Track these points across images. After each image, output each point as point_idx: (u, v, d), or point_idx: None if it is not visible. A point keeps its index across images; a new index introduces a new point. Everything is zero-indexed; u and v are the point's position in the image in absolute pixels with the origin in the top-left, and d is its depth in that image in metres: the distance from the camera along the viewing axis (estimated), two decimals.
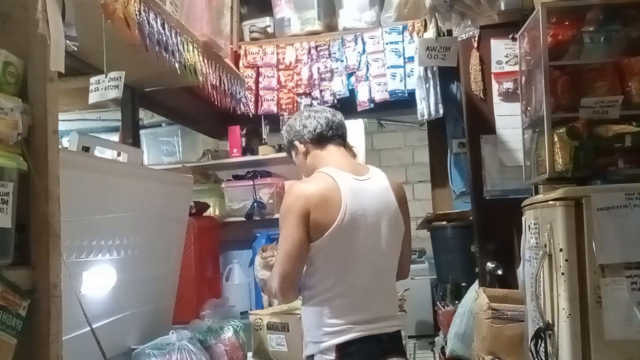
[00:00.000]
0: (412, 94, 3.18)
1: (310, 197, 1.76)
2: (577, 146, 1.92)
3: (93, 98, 1.52)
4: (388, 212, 1.85)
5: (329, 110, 1.99)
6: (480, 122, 2.87)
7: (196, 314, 2.48)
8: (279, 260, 1.79)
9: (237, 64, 3.32)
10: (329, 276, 1.80)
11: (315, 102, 3.26)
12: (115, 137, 3.45)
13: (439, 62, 2.75)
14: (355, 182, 1.82)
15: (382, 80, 3.22)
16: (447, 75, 3.13)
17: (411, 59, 3.18)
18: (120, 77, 1.54)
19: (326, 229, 1.75)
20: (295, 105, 3.32)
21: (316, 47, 3.34)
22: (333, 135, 1.93)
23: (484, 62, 2.88)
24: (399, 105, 3.33)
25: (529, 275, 2.02)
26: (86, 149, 1.89)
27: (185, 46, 1.90)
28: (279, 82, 3.37)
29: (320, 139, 1.92)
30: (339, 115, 1.99)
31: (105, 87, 1.53)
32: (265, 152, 3.37)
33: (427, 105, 3.13)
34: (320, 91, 3.32)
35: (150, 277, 2.21)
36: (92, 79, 1.52)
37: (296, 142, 1.96)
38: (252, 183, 3.29)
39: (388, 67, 3.22)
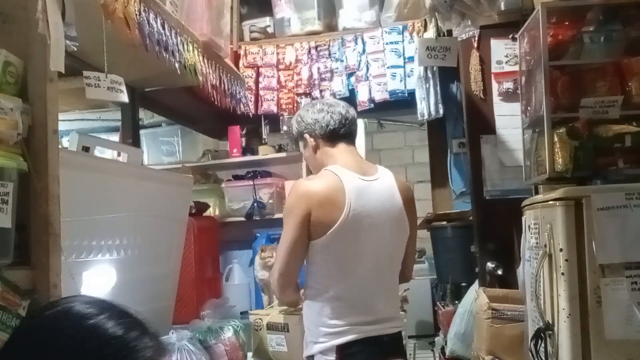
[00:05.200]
0: (412, 94, 3.18)
1: (313, 195, 1.76)
2: (577, 146, 1.92)
3: (92, 94, 1.52)
4: (393, 213, 1.85)
5: (342, 105, 1.95)
6: (480, 122, 2.87)
7: (196, 314, 2.48)
8: (278, 257, 1.79)
9: (237, 64, 3.32)
10: (331, 276, 1.80)
11: None
12: (115, 137, 3.45)
13: (439, 62, 2.76)
14: (361, 182, 1.81)
15: (382, 80, 3.22)
16: (447, 75, 3.13)
17: (411, 59, 3.18)
18: (122, 82, 1.56)
19: (328, 228, 1.75)
20: (295, 105, 3.32)
21: (316, 47, 3.34)
22: (345, 133, 1.91)
23: (484, 62, 2.87)
24: (399, 105, 3.32)
25: (529, 275, 2.02)
26: (86, 149, 1.88)
27: (185, 46, 1.90)
28: (279, 82, 3.36)
29: (332, 136, 1.90)
30: (352, 111, 1.95)
31: (107, 87, 1.53)
32: (265, 152, 3.37)
33: (427, 105, 3.13)
34: (320, 91, 3.32)
35: (150, 277, 2.21)
36: (89, 74, 1.52)
37: (306, 135, 1.93)
38: (252, 183, 3.29)
39: (388, 67, 3.22)
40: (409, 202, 1.91)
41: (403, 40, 3.21)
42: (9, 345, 0.86)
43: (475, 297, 2.66)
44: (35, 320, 0.87)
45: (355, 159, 1.90)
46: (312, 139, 1.92)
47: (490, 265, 2.75)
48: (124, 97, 1.58)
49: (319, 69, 3.32)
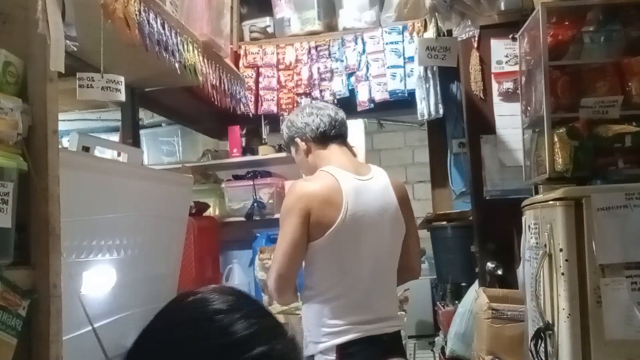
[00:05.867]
0: (412, 94, 3.18)
1: (312, 196, 1.76)
2: (577, 146, 1.92)
3: (84, 95, 1.51)
4: (389, 212, 1.85)
5: (331, 108, 1.97)
6: (480, 122, 2.87)
7: None
8: (276, 259, 1.79)
9: (237, 64, 3.32)
10: (330, 276, 1.80)
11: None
12: (115, 137, 3.45)
13: (439, 62, 2.75)
14: (356, 182, 1.82)
15: (382, 80, 3.22)
16: (447, 75, 3.13)
17: (411, 59, 3.18)
18: (121, 82, 1.55)
19: (327, 228, 1.75)
20: (295, 105, 3.32)
21: (316, 47, 3.34)
22: (336, 135, 1.92)
23: (484, 62, 2.88)
24: (399, 105, 3.32)
25: (529, 275, 2.02)
26: (86, 149, 1.88)
27: (185, 46, 1.90)
28: (279, 82, 3.37)
29: (323, 138, 1.91)
30: (341, 113, 1.97)
31: (101, 87, 1.53)
32: (265, 152, 3.37)
33: (427, 105, 3.13)
34: (320, 91, 3.32)
35: (150, 277, 2.20)
36: (83, 75, 1.51)
37: (297, 140, 1.94)
38: (252, 183, 3.29)
39: (388, 67, 3.22)
40: (404, 200, 1.91)
41: (403, 40, 3.21)
42: (150, 324, 0.85)
43: (475, 297, 2.66)
44: (172, 305, 0.85)
45: (348, 159, 1.91)
46: (303, 143, 1.93)
47: (490, 265, 2.75)
48: (121, 97, 1.57)
49: (319, 69, 3.32)
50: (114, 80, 1.54)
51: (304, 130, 1.92)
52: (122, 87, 1.56)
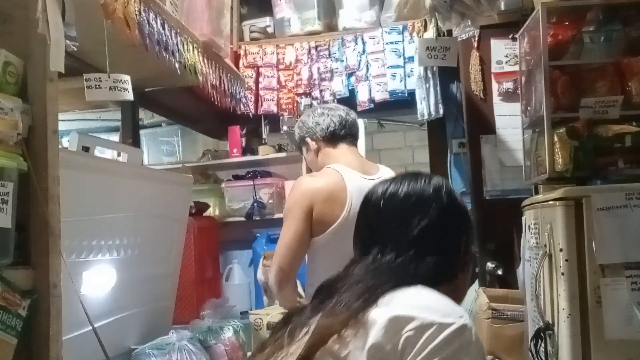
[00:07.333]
0: (412, 94, 3.18)
1: (316, 192, 1.77)
2: (577, 146, 1.92)
3: (93, 96, 1.52)
4: None
5: (342, 109, 1.99)
6: (480, 122, 2.87)
7: (196, 314, 2.48)
8: (278, 252, 1.80)
9: (237, 64, 3.32)
10: (332, 273, 1.80)
11: (315, 102, 3.25)
12: (115, 137, 3.45)
13: (439, 62, 2.75)
14: (363, 180, 1.82)
15: (382, 80, 3.22)
16: (447, 75, 3.13)
17: (411, 59, 3.18)
18: (128, 81, 1.55)
19: (330, 224, 1.76)
20: (295, 105, 3.32)
21: (316, 47, 3.34)
22: (346, 135, 1.94)
23: (484, 62, 2.87)
24: (399, 105, 3.32)
25: (529, 275, 2.02)
26: (86, 149, 1.88)
27: (185, 46, 1.90)
28: (279, 82, 3.37)
29: (333, 138, 1.93)
30: (353, 114, 1.99)
31: (109, 87, 1.53)
32: (265, 152, 3.37)
33: (427, 105, 3.13)
34: (320, 91, 3.32)
35: (150, 277, 2.21)
36: (90, 76, 1.52)
37: (308, 139, 1.96)
38: (252, 183, 3.29)
39: (388, 67, 3.22)
40: None
41: (403, 40, 3.21)
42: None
43: (475, 297, 2.66)
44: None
45: (357, 158, 1.92)
46: (313, 142, 1.94)
47: (490, 265, 2.74)
48: (129, 96, 1.58)
49: (319, 69, 3.32)
50: (121, 80, 1.55)
51: (315, 130, 1.94)
52: (129, 86, 1.57)
